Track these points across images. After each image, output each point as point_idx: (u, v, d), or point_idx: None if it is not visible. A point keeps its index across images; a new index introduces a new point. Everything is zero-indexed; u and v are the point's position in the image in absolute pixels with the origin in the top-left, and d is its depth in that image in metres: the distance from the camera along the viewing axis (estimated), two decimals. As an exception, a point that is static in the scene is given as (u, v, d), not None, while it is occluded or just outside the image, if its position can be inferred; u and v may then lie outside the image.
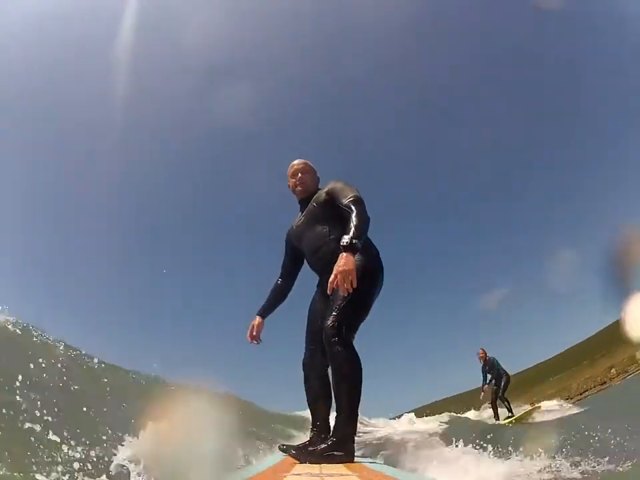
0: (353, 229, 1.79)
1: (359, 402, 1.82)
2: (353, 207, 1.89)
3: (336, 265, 1.72)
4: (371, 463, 1.85)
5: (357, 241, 1.75)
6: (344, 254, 1.73)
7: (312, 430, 2.08)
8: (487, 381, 8.99)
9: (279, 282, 2.38)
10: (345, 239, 1.76)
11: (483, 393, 9.24)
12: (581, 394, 19.02)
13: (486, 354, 9.17)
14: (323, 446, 1.75)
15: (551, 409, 11.02)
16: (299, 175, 2.27)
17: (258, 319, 2.31)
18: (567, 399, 15.64)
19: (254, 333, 2.27)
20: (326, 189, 2.12)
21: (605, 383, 17.57)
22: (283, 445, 2.06)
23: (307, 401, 2.13)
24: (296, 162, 2.32)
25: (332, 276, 1.71)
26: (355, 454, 1.81)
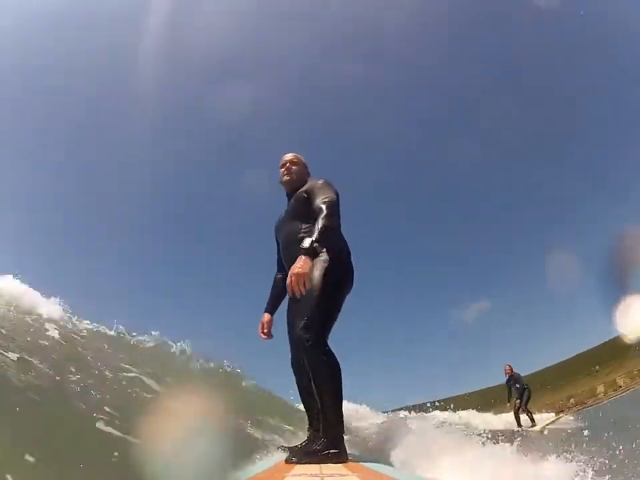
0: (316, 232, 1.80)
1: (341, 401, 1.85)
2: (324, 209, 1.89)
3: (292, 266, 1.75)
4: (370, 463, 1.86)
5: (317, 244, 1.77)
6: (302, 256, 1.75)
7: (309, 429, 2.11)
8: (513, 394, 9.85)
9: (277, 276, 2.40)
10: (306, 242, 1.78)
11: (508, 404, 10.06)
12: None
13: (512, 369, 10.10)
14: (317, 446, 1.78)
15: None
16: (287, 165, 2.30)
17: (266, 315, 2.33)
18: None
19: (265, 330, 2.29)
20: (305, 187, 2.14)
21: (562, 411, 16.23)
22: (282, 446, 2.10)
23: (302, 401, 2.16)
24: (287, 155, 2.35)
25: (287, 278, 1.75)
26: (354, 454, 1.80)
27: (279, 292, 2.37)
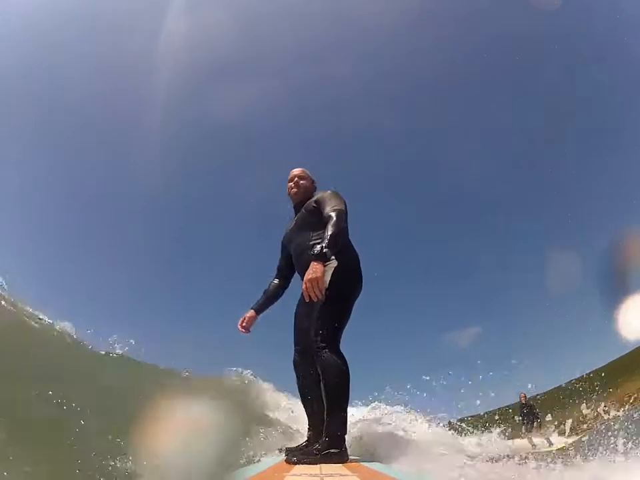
0: (326, 238, 1.88)
1: (347, 402, 1.90)
2: (333, 217, 1.98)
3: (306, 273, 1.82)
4: (370, 462, 1.87)
5: (327, 250, 1.84)
6: (313, 262, 1.82)
7: (309, 430, 2.14)
8: (526, 421, 10.54)
9: (274, 282, 2.50)
10: (317, 248, 1.86)
11: (523, 429, 10.56)
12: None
13: (526, 397, 10.91)
14: (318, 446, 1.80)
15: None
16: (295, 179, 2.42)
17: (251, 312, 2.43)
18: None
19: (244, 324, 2.39)
20: (315, 198, 2.23)
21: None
22: (283, 446, 2.10)
23: (302, 401, 2.20)
24: (295, 169, 2.47)
25: (303, 284, 1.82)
26: (354, 454, 1.83)
27: (270, 296, 2.47)
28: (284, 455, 2.01)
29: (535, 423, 10.53)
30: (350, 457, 1.86)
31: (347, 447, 1.87)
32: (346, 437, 1.88)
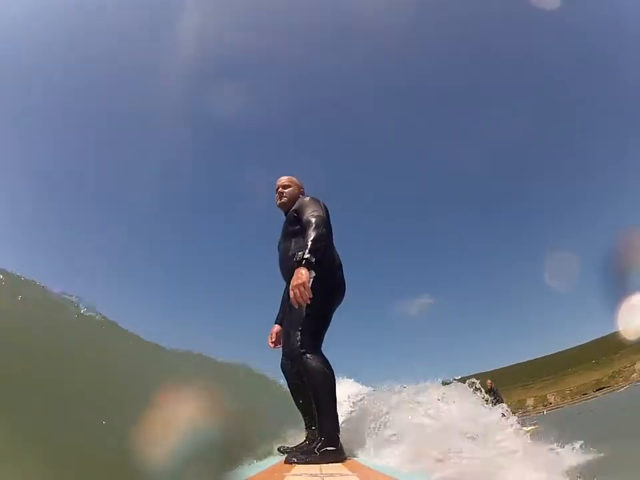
0: (307, 244, 1.90)
1: (335, 403, 1.94)
2: (312, 222, 1.99)
3: (291, 280, 1.84)
4: (370, 462, 1.90)
5: (309, 255, 1.85)
6: (298, 269, 1.83)
7: (307, 429, 2.16)
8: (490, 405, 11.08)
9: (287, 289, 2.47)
10: (299, 255, 1.87)
11: None
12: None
13: (493, 384, 11.37)
14: (316, 445, 1.83)
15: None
16: (280, 189, 2.42)
17: (276, 326, 2.43)
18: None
19: (273, 339, 2.41)
20: (295, 206, 2.23)
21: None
22: (282, 447, 2.14)
23: (296, 402, 2.22)
24: (280, 179, 2.46)
25: (290, 292, 1.83)
26: (354, 453, 1.91)
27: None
28: (283, 455, 2.02)
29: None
30: (349, 457, 1.90)
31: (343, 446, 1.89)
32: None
